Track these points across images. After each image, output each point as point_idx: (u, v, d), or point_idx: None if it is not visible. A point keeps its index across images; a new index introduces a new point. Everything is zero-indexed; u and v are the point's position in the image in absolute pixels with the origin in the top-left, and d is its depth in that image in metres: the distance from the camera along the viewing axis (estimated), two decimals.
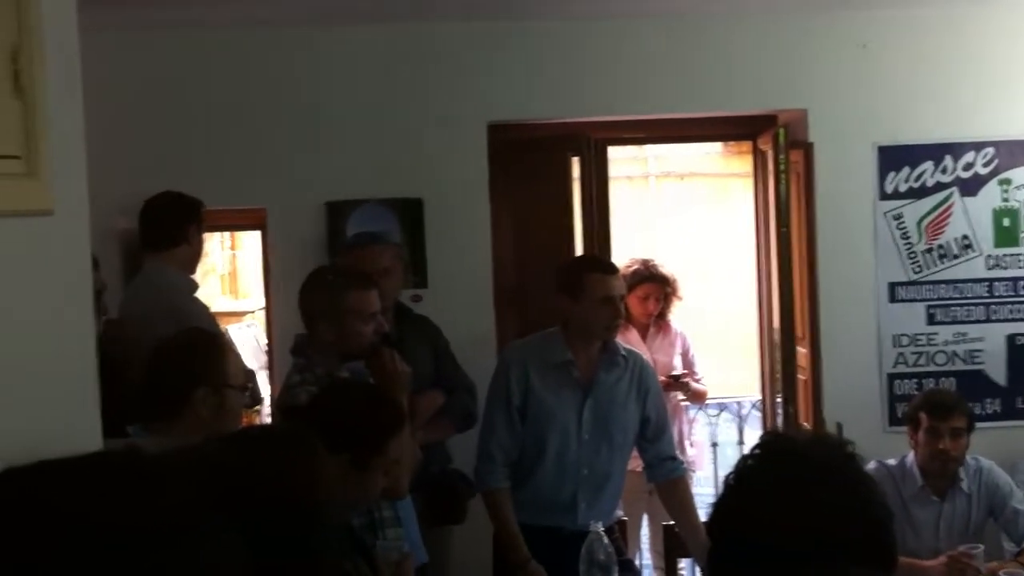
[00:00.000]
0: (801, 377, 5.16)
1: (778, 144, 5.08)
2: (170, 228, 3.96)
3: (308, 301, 3.38)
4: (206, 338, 2.95)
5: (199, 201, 4.04)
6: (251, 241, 10.19)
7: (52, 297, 1.80)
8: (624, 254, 5.39)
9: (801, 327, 5.12)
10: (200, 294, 4.08)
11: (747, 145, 5.99)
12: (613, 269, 3.75)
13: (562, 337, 3.64)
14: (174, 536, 0.76)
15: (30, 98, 1.62)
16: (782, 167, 5.06)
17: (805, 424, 5.08)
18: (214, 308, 4.48)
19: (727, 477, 1.54)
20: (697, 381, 5.22)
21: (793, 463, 1.52)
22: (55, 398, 1.79)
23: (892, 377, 5.07)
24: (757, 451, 1.57)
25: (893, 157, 5.02)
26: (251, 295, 10.50)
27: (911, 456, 3.97)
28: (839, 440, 1.58)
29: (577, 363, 3.63)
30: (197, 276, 4.11)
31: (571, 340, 3.63)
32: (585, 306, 3.56)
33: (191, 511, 0.79)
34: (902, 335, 5.06)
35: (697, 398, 5.37)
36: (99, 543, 0.73)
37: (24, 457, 0.84)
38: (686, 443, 5.30)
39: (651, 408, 3.72)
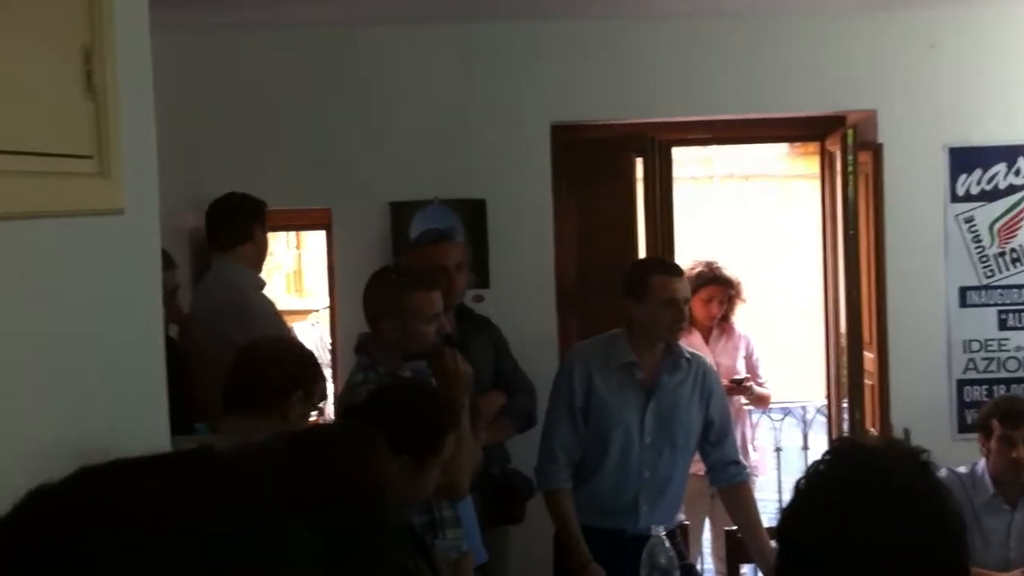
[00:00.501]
0: (868, 382, 5.07)
1: (847, 145, 5.00)
2: (236, 227, 4.02)
3: (372, 300, 3.40)
4: (310, 352, 3.11)
5: (262, 201, 4.11)
6: (316, 241, 10.28)
7: (122, 296, 1.82)
8: (688, 256, 5.34)
9: (868, 331, 5.04)
10: (267, 292, 4.13)
11: (813, 146, 5.90)
12: (678, 271, 3.73)
13: (626, 339, 3.63)
14: (248, 536, 0.77)
15: (102, 98, 1.64)
16: (850, 169, 4.98)
17: (872, 430, 5.00)
18: (280, 306, 4.52)
19: (798, 483, 1.52)
20: (761, 385, 5.16)
21: (865, 470, 1.49)
22: (125, 396, 1.81)
23: (961, 383, 4.97)
24: (828, 457, 1.55)
25: (964, 159, 4.92)
26: (316, 294, 10.60)
27: (982, 463, 3.89)
28: (912, 448, 1.55)
29: (640, 365, 3.61)
30: (264, 274, 4.17)
31: (635, 342, 3.62)
32: (649, 308, 3.55)
33: (264, 511, 0.79)
34: (972, 340, 4.96)
35: (760, 402, 5.31)
36: (172, 544, 0.73)
37: (93, 455, 0.85)
38: (749, 448, 5.24)
39: (714, 411, 3.69)
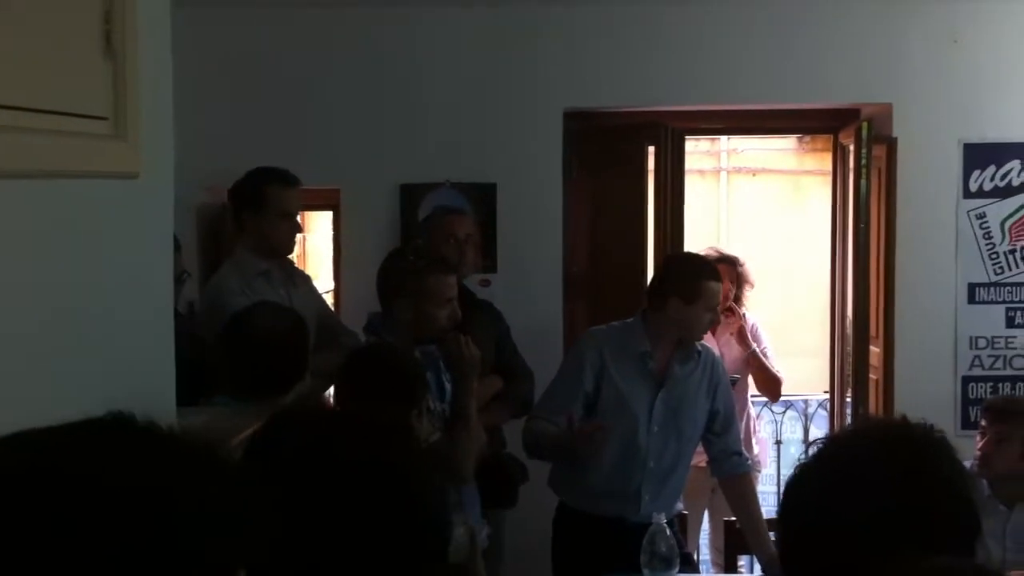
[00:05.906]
0: (873, 376, 5.06)
1: (861, 139, 4.97)
2: (232, 216, 3.89)
3: (386, 280, 3.38)
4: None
5: (255, 178, 3.82)
6: (321, 223, 10.22)
7: (134, 260, 1.80)
8: (695, 248, 5.30)
9: (875, 325, 5.02)
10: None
11: (822, 141, 5.90)
12: (720, 274, 3.72)
13: (643, 328, 3.62)
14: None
15: (120, 60, 1.62)
16: (864, 162, 4.95)
17: None
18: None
19: (805, 452, 1.53)
20: (765, 354, 5.01)
21: (867, 443, 1.50)
22: (132, 361, 1.79)
23: (967, 380, 4.95)
24: (828, 439, 1.56)
25: (979, 155, 4.90)
26: (319, 276, 10.58)
27: None
28: (917, 424, 1.54)
29: (654, 355, 3.61)
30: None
31: (651, 332, 3.61)
32: (698, 310, 3.53)
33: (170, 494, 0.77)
34: (979, 337, 4.94)
35: (769, 385, 5.06)
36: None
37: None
38: (752, 440, 5.19)
39: (720, 402, 3.69)
